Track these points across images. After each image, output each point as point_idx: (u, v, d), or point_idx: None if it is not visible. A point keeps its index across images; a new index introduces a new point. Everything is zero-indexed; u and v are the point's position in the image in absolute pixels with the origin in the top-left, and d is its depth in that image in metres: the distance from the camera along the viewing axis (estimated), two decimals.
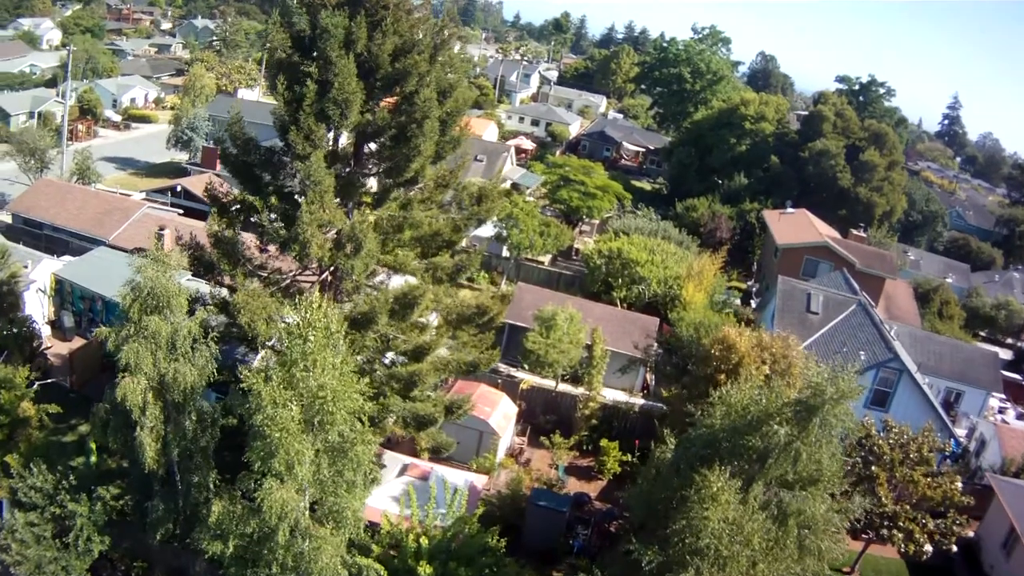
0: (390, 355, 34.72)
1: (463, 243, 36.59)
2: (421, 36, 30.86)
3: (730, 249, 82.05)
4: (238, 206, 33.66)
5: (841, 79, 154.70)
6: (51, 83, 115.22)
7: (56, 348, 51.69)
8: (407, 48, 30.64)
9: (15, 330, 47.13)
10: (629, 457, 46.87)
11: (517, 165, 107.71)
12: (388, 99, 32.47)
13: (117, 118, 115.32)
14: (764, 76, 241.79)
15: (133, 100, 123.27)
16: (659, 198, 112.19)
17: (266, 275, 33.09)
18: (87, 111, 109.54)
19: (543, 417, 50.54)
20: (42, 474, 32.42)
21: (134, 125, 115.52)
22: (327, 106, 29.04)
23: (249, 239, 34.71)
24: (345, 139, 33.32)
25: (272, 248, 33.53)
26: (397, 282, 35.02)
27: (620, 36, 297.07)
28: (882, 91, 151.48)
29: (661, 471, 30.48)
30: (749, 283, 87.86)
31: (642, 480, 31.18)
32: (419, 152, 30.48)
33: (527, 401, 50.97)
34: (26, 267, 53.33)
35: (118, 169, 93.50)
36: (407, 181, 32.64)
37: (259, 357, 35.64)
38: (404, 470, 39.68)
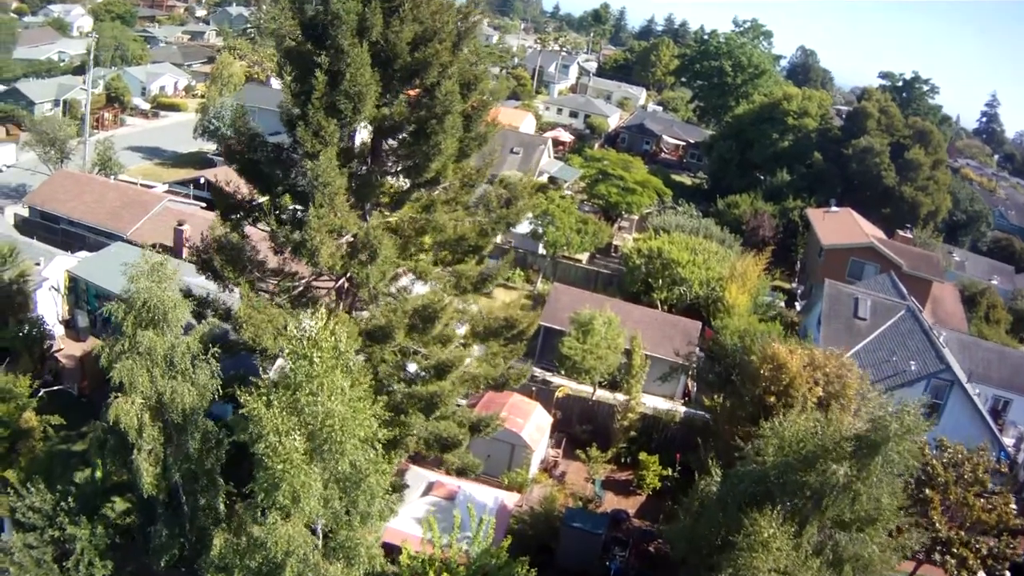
0: (412, 366, 32.02)
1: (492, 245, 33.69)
2: (443, 23, 27.87)
3: (773, 248, 78.82)
4: (246, 206, 30.92)
5: (884, 75, 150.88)
6: (79, 70, 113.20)
7: (69, 349, 49.69)
8: (428, 36, 27.65)
9: (24, 331, 45.23)
10: (669, 471, 44.14)
11: (554, 158, 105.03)
12: (410, 92, 29.71)
13: (145, 106, 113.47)
14: (804, 71, 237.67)
15: (163, 88, 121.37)
16: (699, 193, 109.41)
17: (278, 281, 30.34)
18: (115, 99, 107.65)
19: (579, 427, 48.08)
20: (40, 493, 30.15)
21: (163, 113, 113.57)
22: (338, 99, 26.22)
23: (265, 240, 32.09)
24: (366, 135, 30.57)
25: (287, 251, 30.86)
26: (422, 288, 32.31)
27: (659, 28, 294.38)
28: (925, 88, 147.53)
29: (706, 504, 27.80)
30: (793, 284, 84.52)
31: (684, 515, 28.48)
32: (440, 150, 27.53)
33: (562, 410, 48.49)
34: (38, 264, 51.40)
35: (144, 159, 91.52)
36: (428, 182, 29.75)
37: (276, 367, 32.96)
38: (429, 488, 37.08)
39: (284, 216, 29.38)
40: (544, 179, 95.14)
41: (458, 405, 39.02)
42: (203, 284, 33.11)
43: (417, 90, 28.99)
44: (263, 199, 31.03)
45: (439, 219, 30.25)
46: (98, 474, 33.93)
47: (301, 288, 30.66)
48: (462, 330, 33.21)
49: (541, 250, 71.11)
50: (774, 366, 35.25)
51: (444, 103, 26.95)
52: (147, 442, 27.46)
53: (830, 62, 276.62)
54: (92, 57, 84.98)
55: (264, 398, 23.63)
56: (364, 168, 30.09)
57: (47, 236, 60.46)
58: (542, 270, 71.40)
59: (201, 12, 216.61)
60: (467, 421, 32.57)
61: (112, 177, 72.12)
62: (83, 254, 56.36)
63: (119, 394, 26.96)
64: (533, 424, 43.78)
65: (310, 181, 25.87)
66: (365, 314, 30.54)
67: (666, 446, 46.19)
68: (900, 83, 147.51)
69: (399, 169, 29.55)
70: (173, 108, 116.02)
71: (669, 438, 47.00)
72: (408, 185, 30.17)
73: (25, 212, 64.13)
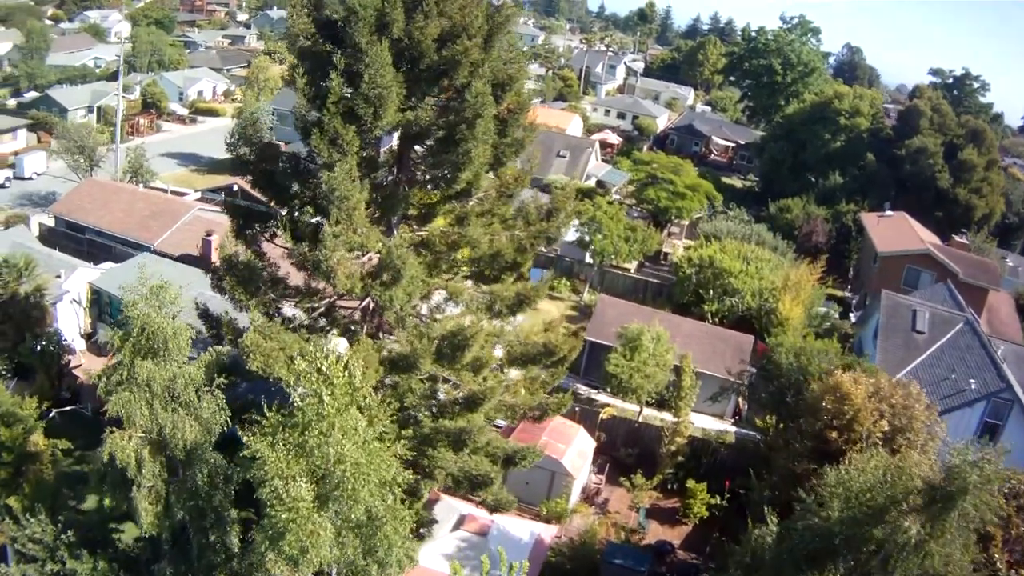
0: (442, 391, 29.24)
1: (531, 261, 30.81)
2: (473, 18, 25.01)
3: (825, 253, 75.33)
4: (262, 220, 28.31)
5: (934, 72, 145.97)
6: (114, 76, 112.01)
7: (90, 364, 47.56)
8: (455, 32, 24.82)
9: (40, 346, 43.26)
10: (718, 499, 41.17)
11: (602, 160, 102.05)
12: (442, 94, 26.96)
13: (183, 112, 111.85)
14: (850, 69, 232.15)
15: (200, 93, 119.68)
16: (750, 196, 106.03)
17: (298, 301, 27.72)
18: (151, 104, 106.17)
19: (624, 450, 45.31)
20: (40, 523, 27.80)
21: (200, 119, 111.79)
22: (356, 103, 23.56)
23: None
24: (395, 141, 27.89)
25: None
26: (456, 308, 29.54)
27: (706, 27, 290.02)
28: (976, 85, 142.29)
29: (758, 554, 24.87)
30: (847, 292, 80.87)
31: (735, 568, 25.56)
32: (470, 158, 24.69)
33: (607, 432, 45.69)
34: (59, 276, 49.45)
35: (180, 165, 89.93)
36: (459, 193, 26.95)
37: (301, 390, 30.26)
38: (460, 522, 34.44)
39: (302, 232, 26.61)
40: (592, 183, 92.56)
41: (496, 426, 36.39)
42: (224, 301, 30.69)
43: (446, 93, 26.25)
44: (283, 211, 28.36)
45: (473, 234, 27.53)
46: (107, 502, 31.71)
47: (323, 309, 28.04)
48: (500, 351, 30.36)
49: (588, 259, 68.14)
50: (837, 397, 32.14)
51: (475, 106, 24.11)
52: (147, 478, 25.12)
53: (874, 59, 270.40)
54: (122, 62, 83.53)
55: (269, 437, 21.11)
56: (390, 178, 27.51)
57: (73, 247, 58.70)
58: (589, 280, 68.55)
59: (243, 16, 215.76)
60: (501, 453, 29.62)
61: (142, 185, 70.11)
62: (108, 265, 54.42)
63: (114, 428, 24.66)
64: (575, 450, 41.00)
65: (325, 194, 23.25)
66: (392, 338, 27.86)
67: (715, 472, 43.51)
68: (951, 80, 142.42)
69: (427, 179, 26.70)
70: (211, 113, 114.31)
71: (719, 463, 44.35)
72: (436, 196, 27.39)
73: (51, 222, 62.34)
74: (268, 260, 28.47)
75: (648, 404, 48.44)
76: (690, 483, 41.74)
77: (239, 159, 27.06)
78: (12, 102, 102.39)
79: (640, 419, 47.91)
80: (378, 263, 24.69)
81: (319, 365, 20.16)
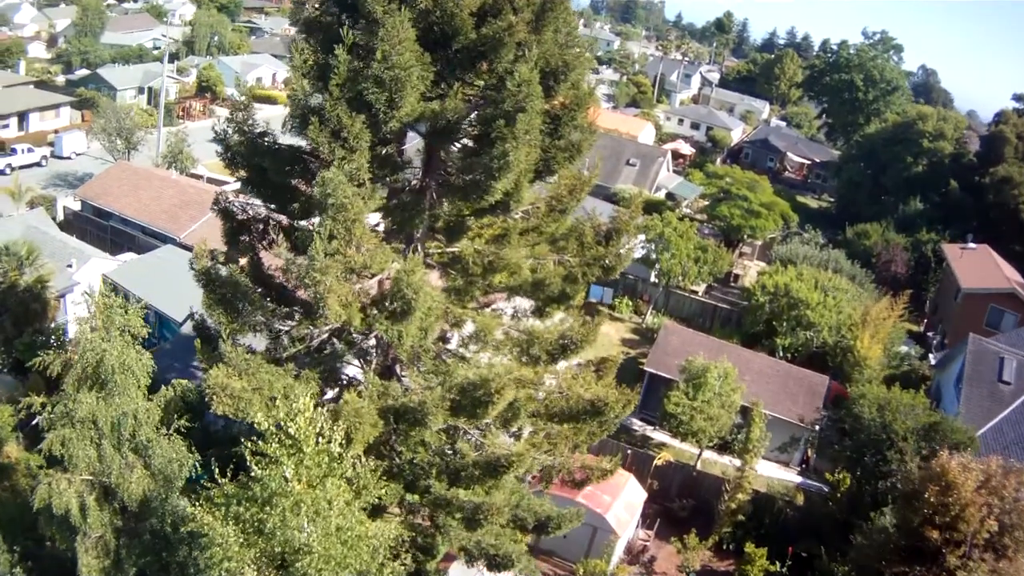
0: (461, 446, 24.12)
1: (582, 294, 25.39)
2: None
3: (903, 285, 69.23)
4: (256, 228, 23.38)
5: (1018, 97, 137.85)
6: (173, 58, 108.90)
7: None
8: (499, 5, 19.73)
9: (39, 340, 39.17)
10: (778, 567, 35.78)
11: (673, 171, 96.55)
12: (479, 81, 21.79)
13: (240, 97, 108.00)
14: (925, 91, 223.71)
15: (259, 79, 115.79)
16: (825, 218, 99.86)
17: (292, 327, 22.67)
18: (206, 88, 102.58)
19: (678, 502, 39.91)
20: None
21: (257, 105, 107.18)
22: (366, 87, 18.62)
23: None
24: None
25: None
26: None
27: (782, 41, 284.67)
28: None
29: None
30: (922, 327, 74.41)
31: None
32: (506, 163, 19.17)
33: (660, 479, 40.37)
34: (70, 266, 45.38)
35: None
36: (495, 206, 21.46)
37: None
38: None
39: (303, 242, 21.49)
40: (661, 195, 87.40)
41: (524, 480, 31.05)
42: None
43: (484, 80, 21.08)
44: (281, 216, 23.44)
45: (511, 256, 22.37)
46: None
47: (325, 336, 23.08)
48: (541, 394, 25.09)
49: (653, 278, 62.75)
50: (942, 488, 26.49)
51: (516, 96, 18.83)
52: (94, 528, 20.52)
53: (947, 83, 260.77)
54: (181, 44, 79.53)
55: (223, 508, 16.35)
56: (413, 182, 22.55)
57: (96, 233, 54.87)
58: (653, 301, 63.15)
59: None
60: (532, 518, 24.39)
61: (181, 172, 66.05)
62: (128, 256, 50.34)
63: (51, 470, 20.09)
64: (622, 502, 35.73)
65: (318, 201, 18.30)
66: (406, 380, 22.90)
67: (778, 534, 38.02)
68: None
69: (457, 186, 21.41)
70: (268, 100, 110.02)
71: (782, 524, 38.79)
72: (464, 208, 22.32)
73: (77, 206, 58.49)
74: (268, 273, 23.73)
75: (709, 446, 43.30)
76: (749, 546, 36.35)
77: (228, 151, 22.28)
78: (61, 79, 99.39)
79: (699, 464, 42.72)
80: (387, 290, 19.66)
81: (286, 425, 15.36)
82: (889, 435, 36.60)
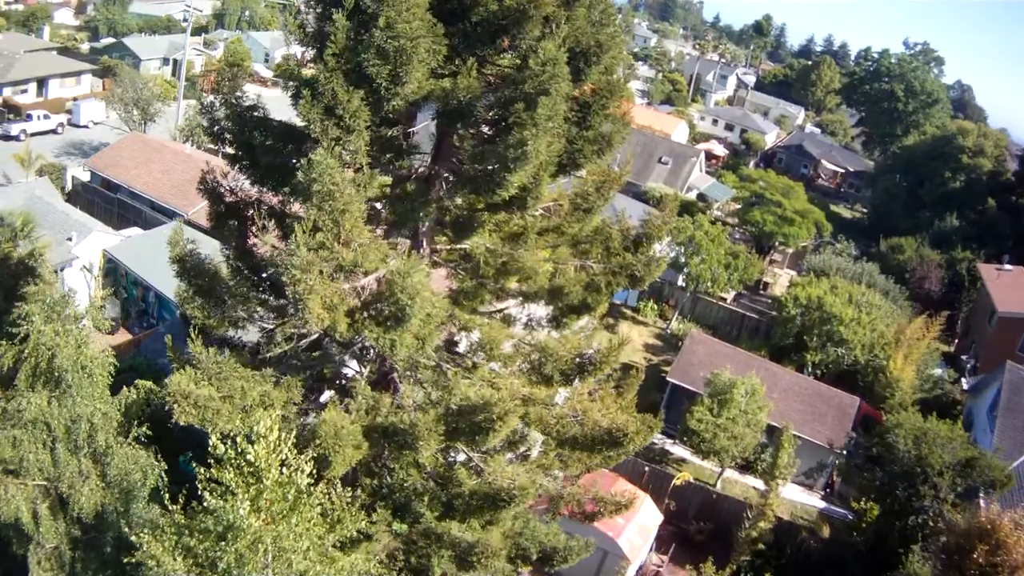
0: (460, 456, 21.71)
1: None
2: None
3: (937, 304, 66.48)
4: (246, 212, 20.97)
5: None
6: (200, 30, 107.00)
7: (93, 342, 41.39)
8: None
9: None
10: None
11: (706, 172, 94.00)
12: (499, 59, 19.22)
13: (267, 74, 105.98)
14: (960, 106, 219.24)
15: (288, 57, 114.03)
16: (858, 229, 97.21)
17: (277, 326, 20.26)
18: (233, 64, 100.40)
19: (695, 525, 37.61)
20: None
21: (283, 82, 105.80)
22: (366, 58, 16.25)
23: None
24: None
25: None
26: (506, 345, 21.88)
27: (819, 48, 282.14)
28: None
29: None
30: (956, 350, 71.47)
31: None
32: (523, 153, 16.58)
33: (677, 500, 38.07)
34: (70, 240, 43.43)
35: None
36: (509, 201, 19.04)
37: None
38: None
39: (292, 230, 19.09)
40: (693, 196, 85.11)
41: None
42: None
43: (505, 57, 18.55)
44: (272, 198, 21.04)
45: (526, 260, 19.89)
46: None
47: (314, 338, 20.69)
48: (552, 419, 22.54)
49: (681, 281, 60.24)
50: (991, 547, 23.97)
51: (540, 77, 16.24)
52: (47, 538, 18.35)
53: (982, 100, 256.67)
54: (192, 14, 77.69)
55: (175, 539, 14.07)
56: (420, 170, 20.14)
57: (104, 205, 52.96)
58: (679, 305, 60.69)
59: None
60: (535, 549, 22.01)
61: (198, 146, 64.01)
62: (133, 231, 48.33)
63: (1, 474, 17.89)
64: (636, 525, 33.30)
65: (302, 188, 15.93)
66: (403, 390, 20.50)
67: (800, 565, 36.03)
68: None
69: (469, 177, 18.91)
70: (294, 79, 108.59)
71: (805, 555, 36.46)
72: (475, 203, 19.85)
73: (86, 176, 56.53)
74: (259, 263, 21.36)
75: (730, 466, 40.99)
76: None
77: (214, 125, 19.95)
78: (86, 47, 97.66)
79: (719, 485, 40.36)
80: (372, 294, 17.26)
81: (243, 450, 13.04)
82: (924, 468, 34.34)
